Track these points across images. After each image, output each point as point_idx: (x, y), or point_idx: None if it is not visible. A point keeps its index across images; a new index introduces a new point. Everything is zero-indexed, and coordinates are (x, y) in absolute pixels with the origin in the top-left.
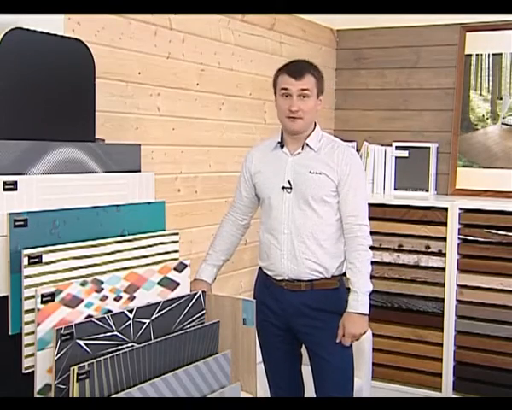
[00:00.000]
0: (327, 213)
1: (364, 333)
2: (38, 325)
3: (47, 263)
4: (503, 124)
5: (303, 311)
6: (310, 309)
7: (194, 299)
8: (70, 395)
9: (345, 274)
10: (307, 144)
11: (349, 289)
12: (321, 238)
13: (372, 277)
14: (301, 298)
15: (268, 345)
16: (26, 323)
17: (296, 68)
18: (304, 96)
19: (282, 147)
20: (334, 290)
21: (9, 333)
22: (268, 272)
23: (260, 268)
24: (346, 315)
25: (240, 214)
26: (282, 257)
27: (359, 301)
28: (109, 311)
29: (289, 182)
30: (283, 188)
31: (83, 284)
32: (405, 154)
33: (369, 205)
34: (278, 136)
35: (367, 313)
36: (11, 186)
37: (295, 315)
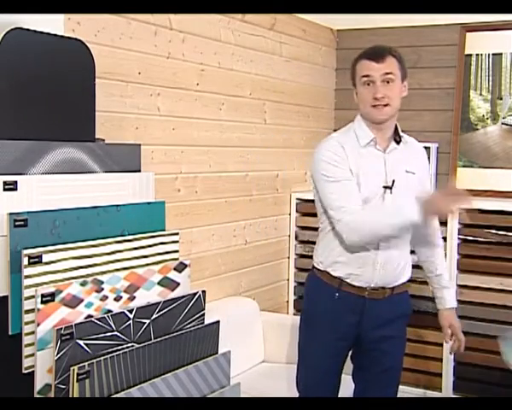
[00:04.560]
0: None
1: None
2: (38, 324)
3: (47, 263)
4: (503, 124)
5: (380, 321)
6: (387, 317)
7: (194, 299)
8: (70, 395)
9: None
10: (401, 138)
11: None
12: (409, 242)
13: None
14: (381, 306)
15: (320, 361)
16: (26, 323)
17: (376, 51)
18: (388, 82)
19: (376, 143)
20: (406, 293)
21: (9, 333)
22: (349, 280)
23: (328, 278)
24: (449, 313)
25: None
26: (375, 263)
27: (453, 296)
28: (109, 311)
29: (393, 181)
30: (385, 187)
31: (83, 284)
32: None
33: None
34: (363, 131)
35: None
36: (11, 186)
37: (371, 327)
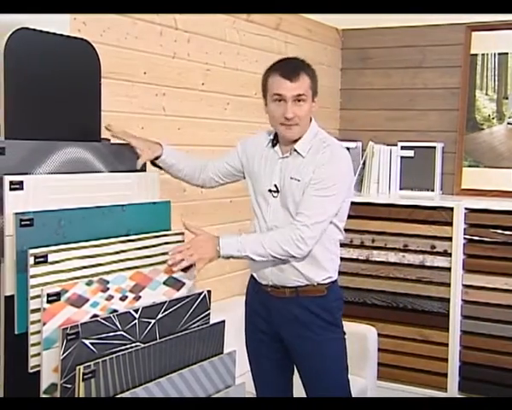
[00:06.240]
0: None
1: (208, 259)
2: (44, 324)
3: (52, 263)
4: (508, 123)
5: (290, 319)
6: (297, 317)
7: (199, 299)
8: (76, 395)
9: (335, 281)
10: (295, 150)
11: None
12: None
13: (378, 277)
14: (287, 305)
15: (257, 355)
16: (32, 322)
17: (290, 69)
18: (299, 101)
19: (273, 146)
20: (321, 298)
21: (15, 332)
22: (255, 276)
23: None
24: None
25: (209, 170)
26: (266, 262)
27: (229, 238)
28: (115, 310)
29: (276, 186)
30: (270, 191)
31: (88, 284)
32: (411, 153)
33: (375, 205)
34: (273, 132)
35: (220, 245)
36: (17, 186)
37: (283, 323)
